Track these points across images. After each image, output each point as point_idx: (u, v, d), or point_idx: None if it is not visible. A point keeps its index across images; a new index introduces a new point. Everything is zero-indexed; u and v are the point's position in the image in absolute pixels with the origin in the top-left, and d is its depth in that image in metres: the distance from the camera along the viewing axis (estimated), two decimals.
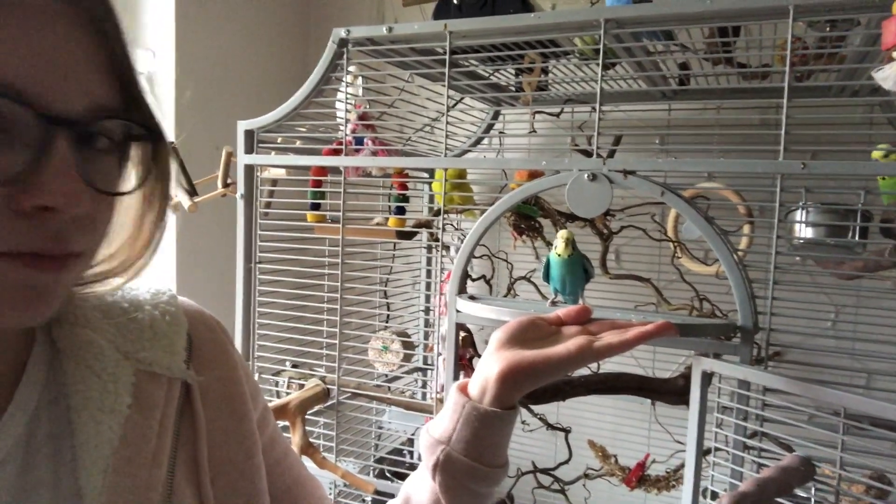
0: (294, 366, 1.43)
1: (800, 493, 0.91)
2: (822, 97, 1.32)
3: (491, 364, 0.68)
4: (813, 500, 0.92)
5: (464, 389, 0.70)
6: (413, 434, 1.73)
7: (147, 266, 0.56)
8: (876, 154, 0.97)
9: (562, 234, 1.05)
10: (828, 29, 1.08)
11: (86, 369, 0.52)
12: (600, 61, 1.06)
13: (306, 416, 1.31)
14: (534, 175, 1.23)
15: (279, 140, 1.41)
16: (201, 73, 1.79)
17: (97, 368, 0.53)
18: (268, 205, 1.44)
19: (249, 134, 1.36)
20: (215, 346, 0.63)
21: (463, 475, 0.65)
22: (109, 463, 0.50)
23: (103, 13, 0.45)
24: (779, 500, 0.86)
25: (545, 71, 1.41)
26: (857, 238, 1.00)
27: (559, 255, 1.04)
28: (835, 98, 1.35)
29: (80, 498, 0.49)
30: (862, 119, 1.39)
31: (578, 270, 1.04)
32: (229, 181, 1.49)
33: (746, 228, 1.35)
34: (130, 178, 0.50)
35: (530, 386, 0.68)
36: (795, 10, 0.94)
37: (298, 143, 1.44)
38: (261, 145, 1.38)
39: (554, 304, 1.09)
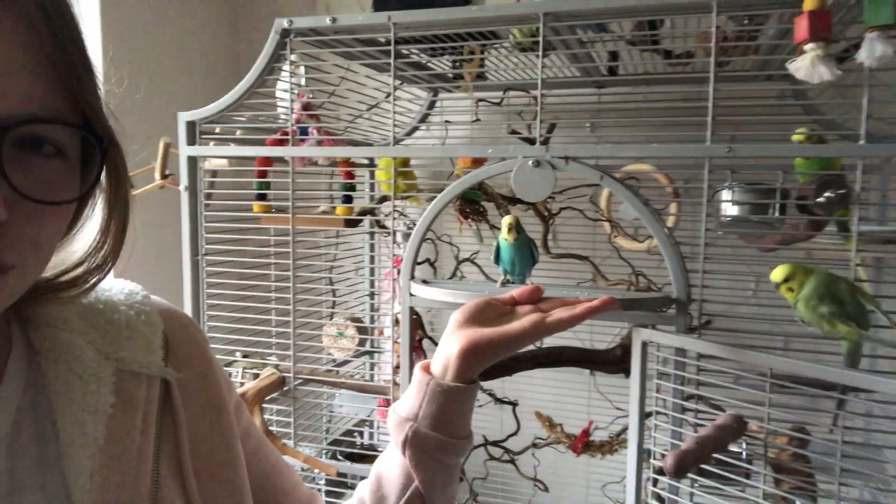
0: (245, 356, 1.44)
1: (733, 447, 1.00)
2: (742, 83, 1.41)
3: (451, 343, 0.72)
4: (744, 453, 1.02)
5: (426, 369, 0.74)
6: (369, 416, 1.76)
7: (111, 271, 0.56)
8: (797, 137, 1.05)
9: (505, 220, 1.10)
10: (745, 21, 1.16)
11: (67, 371, 0.53)
12: (540, 53, 1.11)
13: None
14: (478, 162, 1.28)
15: (217, 130, 1.40)
16: (128, 62, 1.73)
17: (78, 369, 0.53)
18: (208, 196, 1.44)
19: (191, 125, 1.35)
20: (190, 343, 0.64)
21: (431, 448, 0.69)
22: (96, 461, 0.51)
23: (54, 16, 0.44)
24: (716, 455, 0.95)
25: (482, 62, 1.46)
26: (777, 214, 1.10)
27: (506, 240, 1.09)
28: (752, 84, 1.45)
29: (68, 497, 0.50)
30: (776, 102, 1.49)
31: (527, 253, 1.10)
32: (167, 173, 1.47)
33: (673, 207, 1.44)
34: (76, 186, 0.49)
35: (489, 360, 0.72)
36: (718, 4, 1.02)
37: (239, 134, 1.44)
38: (201, 136, 1.37)
39: (504, 284, 1.15)
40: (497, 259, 1.13)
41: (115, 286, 0.62)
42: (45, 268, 0.51)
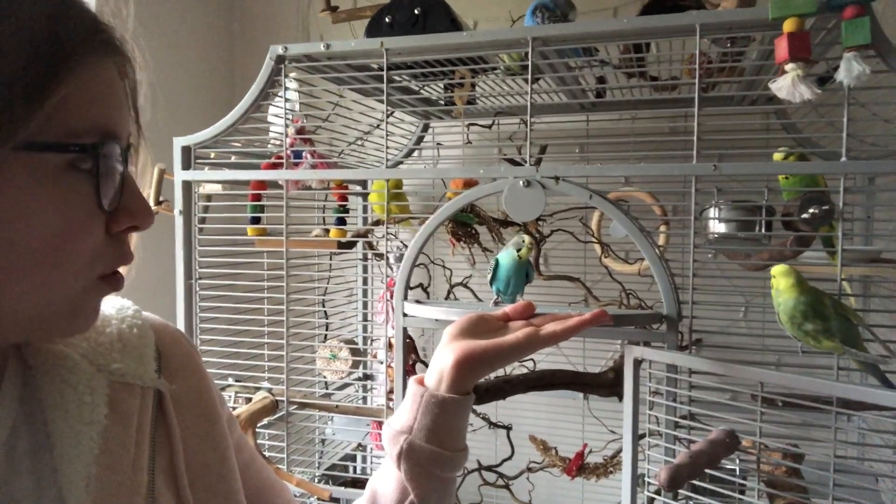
0: (237, 380, 1.44)
1: (728, 463, 1.00)
2: (726, 106, 1.45)
3: (445, 354, 0.72)
4: (738, 469, 1.02)
5: (421, 381, 0.74)
6: (363, 440, 1.74)
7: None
8: (777, 156, 1.08)
9: (526, 238, 1.11)
10: (728, 45, 1.19)
11: (61, 383, 0.53)
12: (529, 77, 1.13)
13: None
14: (469, 184, 1.30)
15: (212, 155, 1.42)
16: None
17: (72, 381, 0.54)
18: (203, 220, 1.45)
19: (186, 150, 1.36)
20: (182, 356, 0.64)
21: (427, 461, 0.69)
22: (92, 472, 0.51)
23: (133, 69, 0.55)
24: (710, 471, 0.95)
25: (473, 85, 1.49)
26: (763, 231, 1.12)
27: (521, 258, 1.09)
28: (736, 107, 1.48)
29: None
30: (760, 125, 1.53)
31: (522, 273, 1.11)
32: (161, 199, 1.48)
33: (663, 228, 1.47)
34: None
35: (484, 372, 0.73)
36: (701, 27, 1.05)
37: (233, 158, 1.45)
38: (196, 161, 1.39)
39: (497, 304, 1.15)
40: (493, 277, 1.14)
41: (105, 301, 0.63)
42: None
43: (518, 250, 1.10)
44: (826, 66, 1.07)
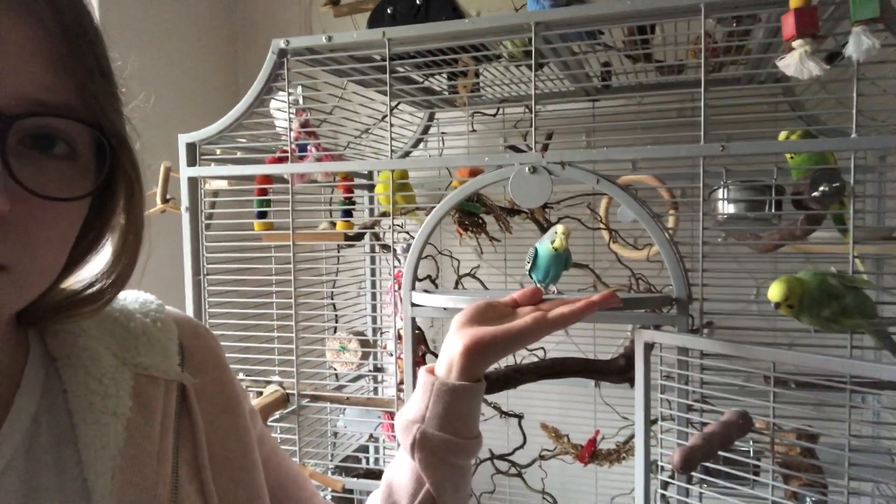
0: (247, 374, 1.44)
1: (741, 445, 1.00)
2: (733, 87, 1.43)
3: (455, 342, 0.72)
4: (752, 450, 1.01)
5: (431, 371, 0.74)
6: (374, 431, 1.74)
7: (126, 283, 0.55)
8: (781, 136, 1.07)
9: (561, 228, 1.10)
10: (734, 24, 1.18)
11: (86, 375, 0.53)
12: (533, 62, 1.13)
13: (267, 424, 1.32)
14: (475, 172, 1.29)
15: (217, 152, 1.41)
16: (126, 86, 1.76)
17: (97, 374, 0.54)
18: (210, 216, 1.45)
19: (192, 147, 1.36)
20: (205, 350, 0.64)
21: (440, 449, 0.69)
22: (117, 463, 0.51)
23: (66, 14, 0.44)
24: (724, 454, 0.95)
25: (476, 74, 1.48)
26: (773, 211, 1.11)
27: (556, 249, 1.08)
28: (743, 87, 1.47)
29: (88, 499, 0.50)
30: (768, 105, 1.51)
31: (561, 262, 1.10)
32: (168, 197, 1.48)
33: (672, 211, 1.45)
34: (87, 189, 0.47)
35: (494, 357, 0.73)
36: (706, 7, 1.04)
37: (238, 154, 1.45)
38: (201, 157, 1.39)
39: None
40: (533, 266, 1.12)
41: (128, 296, 0.63)
42: (50, 280, 0.49)
43: (552, 242, 1.08)
44: (834, 43, 1.05)
